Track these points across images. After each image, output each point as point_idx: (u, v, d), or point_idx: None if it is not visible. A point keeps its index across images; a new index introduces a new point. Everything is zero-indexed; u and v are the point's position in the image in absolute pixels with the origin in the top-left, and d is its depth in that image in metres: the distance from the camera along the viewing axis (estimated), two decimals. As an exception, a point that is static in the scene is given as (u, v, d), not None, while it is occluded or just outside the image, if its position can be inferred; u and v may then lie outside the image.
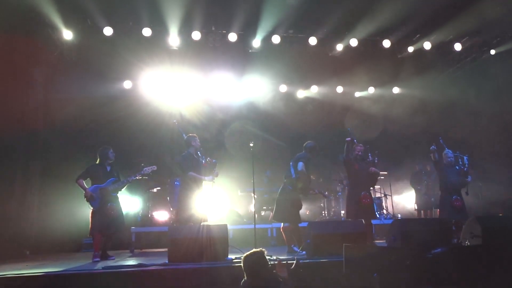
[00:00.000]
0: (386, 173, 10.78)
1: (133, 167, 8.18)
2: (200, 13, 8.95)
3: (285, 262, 3.80)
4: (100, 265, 5.44)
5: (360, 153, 7.04)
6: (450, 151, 7.54)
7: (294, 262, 3.79)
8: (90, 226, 6.40)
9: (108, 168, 6.67)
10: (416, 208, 10.12)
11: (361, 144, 7.15)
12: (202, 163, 6.61)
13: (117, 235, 6.90)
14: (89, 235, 6.61)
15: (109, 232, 6.52)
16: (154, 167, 7.00)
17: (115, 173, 6.73)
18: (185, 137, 6.77)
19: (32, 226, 7.87)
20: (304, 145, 6.94)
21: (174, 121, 7.35)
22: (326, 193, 7.35)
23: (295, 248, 6.41)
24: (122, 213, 6.76)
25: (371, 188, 7.30)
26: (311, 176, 6.88)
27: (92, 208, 6.40)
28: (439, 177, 7.50)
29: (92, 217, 6.40)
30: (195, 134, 6.80)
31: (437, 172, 7.52)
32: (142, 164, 7.96)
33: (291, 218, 6.65)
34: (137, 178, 6.84)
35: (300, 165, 6.56)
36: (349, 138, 6.99)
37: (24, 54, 7.95)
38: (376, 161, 7.07)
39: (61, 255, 7.69)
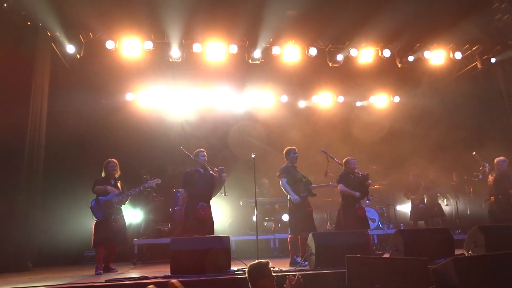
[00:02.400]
0: (387, 182, 10.76)
1: (136, 179, 8.22)
2: (200, 26, 9.07)
3: (288, 275, 3.78)
4: (103, 277, 5.43)
5: (354, 165, 7.27)
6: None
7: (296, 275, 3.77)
8: (93, 238, 6.37)
9: (113, 181, 6.70)
10: (410, 218, 10.04)
11: (353, 158, 7.37)
12: (212, 175, 6.70)
13: (119, 247, 6.87)
14: (92, 247, 6.55)
15: (112, 244, 6.52)
16: (158, 181, 7.02)
17: (120, 186, 6.76)
18: (192, 157, 6.90)
19: (34, 238, 7.86)
20: None
21: (181, 147, 7.35)
22: (331, 183, 7.41)
23: (297, 259, 6.39)
24: (126, 226, 6.76)
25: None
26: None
27: (95, 219, 6.41)
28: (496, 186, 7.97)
29: (95, 229, 6.39)
30: (201, 149, 6.89)
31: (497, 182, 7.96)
32: (145, 176, 8.01)
33: (291, 227, 6.73)
34: (140, 190, 6.87)
35: (282, 183, 6.78)
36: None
37: (27, 67, 8.06)
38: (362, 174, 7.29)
39: (64, 267, 7.68)
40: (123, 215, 6.72)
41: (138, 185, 6.87)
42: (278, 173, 6.91)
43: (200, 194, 6.60)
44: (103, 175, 6.74)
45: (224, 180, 6.70)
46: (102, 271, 6.21)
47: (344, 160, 7.38)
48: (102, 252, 6.42)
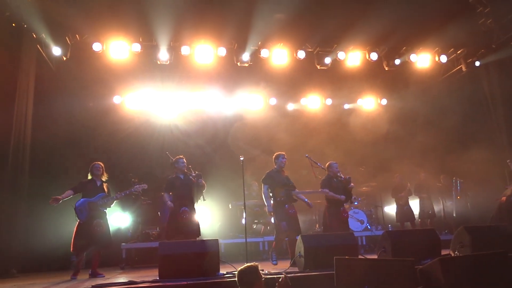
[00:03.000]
0: (375, 184, 10.84)
1: (124, 182, 8.18)
2: (189, 28, 9.05)
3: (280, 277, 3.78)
4: (89, 283, 5.36)
5: (337, 169, 7.42)
6: None
7: (283, 276, 3.78)
8: (72, 241, 6.27)
9: (98, 183, 6.67)
10: (396, 220, 10.15)
11: (335, 162, 7.53)
12: (192, 180, 6.77)
13: (105, 252, 6.86)
14: (71, 251, 6.36)
15: (94, 248, 6.46)
16: (145, 186, 7.04)
17: (106, 189, 6.73)
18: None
19: (19, 244, 7.73)
20: None
21: (166, 152, 7.43)
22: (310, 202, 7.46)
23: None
24: (109, 230, 6.69)
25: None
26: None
27: (78, 220, 6.34)
28: None
29: (76, 231, 6.32)
30: (180, 156, 7.02)
31: None
32: (133, 180, 7.99)
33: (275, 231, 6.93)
34: (126, 195, 6.83)
35: (263, 189, 6.96)
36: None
37: (12, 69, 7.95)
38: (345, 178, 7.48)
39: (49, 274, 7.55)
40: (107, 219, 6.67)
41: (124, 189, 6.85)
42: (262, 178, 7.04)
43: (182, 199, 6.69)
44: (89, 177, 6.71)
45: (201, 184, 6.79)
46: (76, 277, 6.18)
47: (326, 164, 7.50)
48: (82, 257, 6.43)
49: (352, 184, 7.39)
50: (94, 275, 6.38)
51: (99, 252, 6.57)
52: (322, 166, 7.46)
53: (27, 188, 8.13)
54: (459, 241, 5.70)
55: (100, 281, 5.65)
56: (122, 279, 5.76)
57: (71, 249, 6.32)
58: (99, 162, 6.84)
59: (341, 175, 7.41)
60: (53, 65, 9.24)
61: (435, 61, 10.68)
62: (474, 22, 9.83)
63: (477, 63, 10.57)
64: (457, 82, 11.17)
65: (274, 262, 6.65)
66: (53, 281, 6.01)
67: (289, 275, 4.97)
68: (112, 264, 8.28)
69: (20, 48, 8.21)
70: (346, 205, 9.73)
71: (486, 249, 4.61)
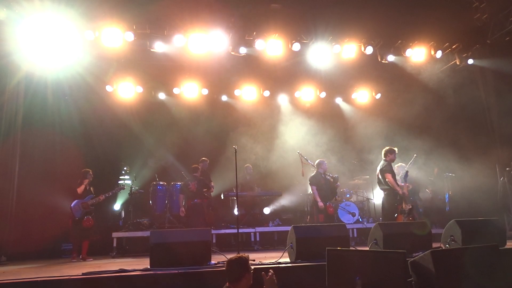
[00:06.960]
0: (368, 177, 10.87)
1: (117, 173, 8.94)
2: (182, 18, 8.92)
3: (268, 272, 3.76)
4: (80, 270, 5.33)
5: (326, 166, 8.37)
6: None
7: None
8: (70, 233, 7.68)
9: (88, 187, 7.92)
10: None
11: (324, 160, 8.38)
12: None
13: (95, 240, 7.88)
14: (70, 241, 7.90)
15: (87, 239, 7.70)
16: (123, 187, 8.46)
17: (92, 191, 7.99)
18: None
19: (9, 231, 7.69)
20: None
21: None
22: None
23: None
24: (95, 223, 7.86)
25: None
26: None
27: (75, 216, 7.57)
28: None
29: (72, 225, 7.62)
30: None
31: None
32: (125, 168, 8.46)
33: None
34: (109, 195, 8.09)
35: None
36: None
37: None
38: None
39: (39, 261, 7.52)
40: (93, 214, 7.85)
41: (107, 191, 8.02)
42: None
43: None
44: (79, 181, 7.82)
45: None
46: (76, 260, 7.39)
47: (316, 162, 8.21)
48: (77, 245, 7.72)
49: (338, 183, 8.33)
50: (84, 259, 7.51)
51: (88, 241, 7.74)
52: (312, 163, 7.71)
53: (17, 176, 8.09)
54: (450, 234, 5.76)
55: (90, 269, 5.62)
56: (113, 267, 5.74)
57: (70, 240, 7.83)
58: (90, 170, 7.93)
59: (330, 174, 8.24)
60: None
61: (430, 55, 10.61)
62: (469, 17, 9.81)
63: (470, 61, 10.54)
64: (452, 77, 11.13)
65: None
66: (43, 268, 6.00)
67: (280, 266, 5.00)
68: (102, 253, 8.29)
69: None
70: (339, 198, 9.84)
71: (476, 243, 4.65)
